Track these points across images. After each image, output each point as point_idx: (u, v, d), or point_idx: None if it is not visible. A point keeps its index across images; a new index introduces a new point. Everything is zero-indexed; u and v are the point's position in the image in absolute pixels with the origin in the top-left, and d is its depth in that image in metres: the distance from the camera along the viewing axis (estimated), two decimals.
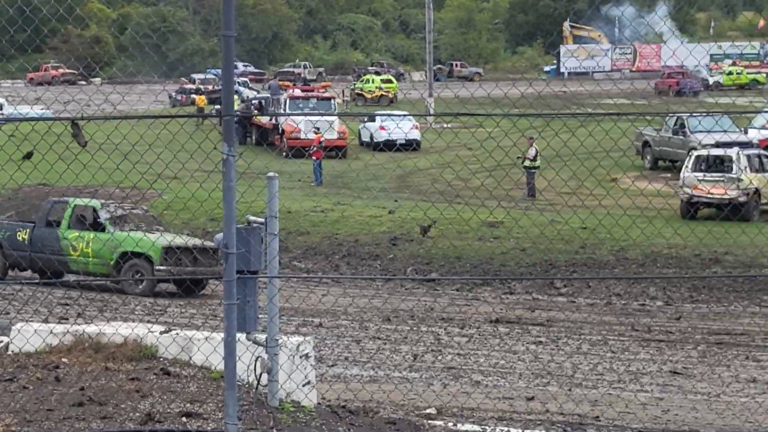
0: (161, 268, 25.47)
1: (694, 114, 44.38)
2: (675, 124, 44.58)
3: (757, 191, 34.81)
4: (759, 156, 36.38)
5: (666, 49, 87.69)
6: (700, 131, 41.86)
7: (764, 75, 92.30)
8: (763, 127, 44.08)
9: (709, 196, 34.39)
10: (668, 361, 18.96)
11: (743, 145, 37.55)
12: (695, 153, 36.24)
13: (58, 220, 26.95)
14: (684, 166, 35.95)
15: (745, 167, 34.84)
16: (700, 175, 34.72)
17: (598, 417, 14.76)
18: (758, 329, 22.30)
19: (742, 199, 34.20)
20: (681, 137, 43.99)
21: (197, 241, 27.02)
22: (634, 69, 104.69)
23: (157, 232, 26.61)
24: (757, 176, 35.00)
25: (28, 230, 27.12)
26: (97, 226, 26.49)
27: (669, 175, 41.34)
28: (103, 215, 26.55)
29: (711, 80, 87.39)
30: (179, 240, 26.37)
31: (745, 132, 42.95)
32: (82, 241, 26.46)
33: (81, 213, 26.93)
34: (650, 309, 25.25)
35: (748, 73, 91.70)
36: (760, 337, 21.40)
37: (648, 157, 46.24)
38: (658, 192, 32.91)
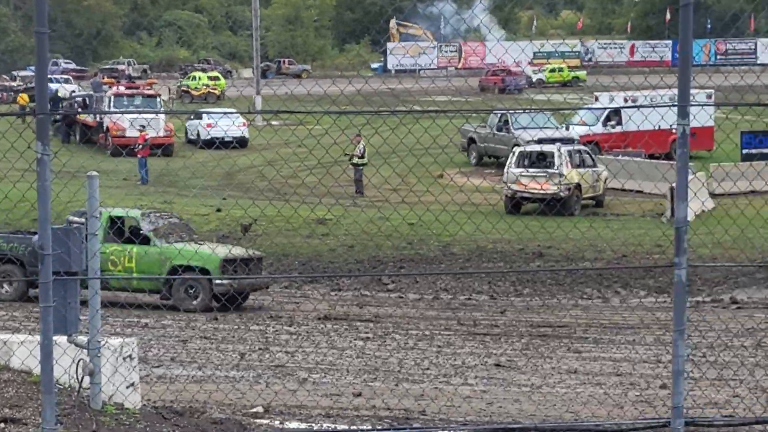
0: (221, 282, 23.59)
1: (517, 111, 45.16)
2: (499, 121, 45.23)
3: (578, 186, 35.58)
4: (580, 152, 37.21)
5: (490, 46, 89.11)
6: (522, 127, 42.66)
7: (585, 72, 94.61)
8: (579, 124, 45.05)
9: (531, 191, 35.00)
10: (492, 354, 19.28)
11: (565, 141, 38.37)
12: (518, 149, 36.88)
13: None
14: (507, 163, 36.52)
15: (567, 163, 35.57)
16: (522, 170, 35.32)
17: (423, 411, 14.93)
18: (578, 321, 22.84)
19: (564, 194, 34.92)
20: (505, 134, 44.67)
21: (245, 251, 25.56)
22: (459, 67, 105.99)
23: (203, 243, 24.72)
24: (577, 171, 35.77)
25: None
26: (137, 239, 23.66)
27: (493, 171, 41.96)
28: (146, 226, 24.50)
29: (534, 77, 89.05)
30: (237, 251, 24.73)
31: (567, 128, 43.90)
32: (124, 254, 24.33)
33: (118, 224, 24.54)
34: (476, 303, 25.64)
35: (569, 70, 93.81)
36: (581, 329, 21.91)
37: (474, 154, 46.85)
38: (477, 188, 33.38)
